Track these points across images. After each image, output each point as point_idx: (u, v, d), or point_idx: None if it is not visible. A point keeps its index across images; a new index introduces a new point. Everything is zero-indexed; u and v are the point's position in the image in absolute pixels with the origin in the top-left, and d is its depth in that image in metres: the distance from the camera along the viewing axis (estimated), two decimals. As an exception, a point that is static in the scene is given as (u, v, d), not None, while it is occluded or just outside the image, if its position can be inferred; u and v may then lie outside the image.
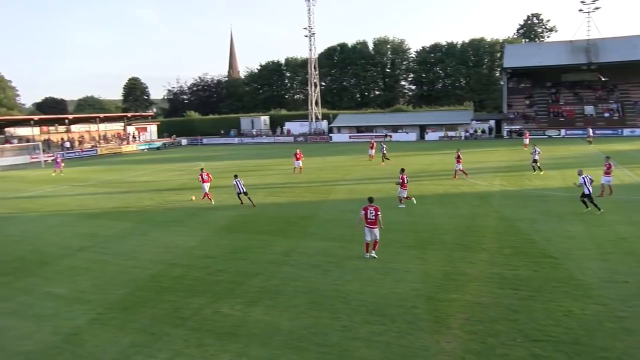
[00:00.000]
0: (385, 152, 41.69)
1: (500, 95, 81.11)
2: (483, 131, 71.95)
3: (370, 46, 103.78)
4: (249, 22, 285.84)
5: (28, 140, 67.69)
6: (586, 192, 19.06)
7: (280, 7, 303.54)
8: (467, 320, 10.22)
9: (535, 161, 31.30)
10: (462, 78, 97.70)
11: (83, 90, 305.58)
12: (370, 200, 14.67)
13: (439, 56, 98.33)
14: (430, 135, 72.88)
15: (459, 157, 30.15)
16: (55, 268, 15.36)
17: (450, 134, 72.30)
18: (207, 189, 25.67)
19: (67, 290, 13.33)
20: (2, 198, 31.52)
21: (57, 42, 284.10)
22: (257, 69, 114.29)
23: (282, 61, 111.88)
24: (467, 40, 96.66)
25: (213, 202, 24.96)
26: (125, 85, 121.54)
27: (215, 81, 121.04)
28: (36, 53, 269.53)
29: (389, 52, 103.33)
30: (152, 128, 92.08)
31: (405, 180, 22.30)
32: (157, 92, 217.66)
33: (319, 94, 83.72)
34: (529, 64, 72.14)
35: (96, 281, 13.90)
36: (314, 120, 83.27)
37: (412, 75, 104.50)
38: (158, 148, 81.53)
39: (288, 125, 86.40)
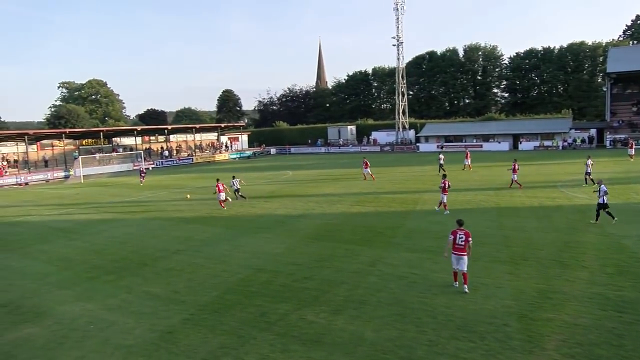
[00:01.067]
0: (442, 162, 41.27)
1: (602, 102, 75.91)
2: (583, 140, 67.37)
3: (461, 53, 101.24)
4: (337, 33, 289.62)
5: (131, 149, 72.55)
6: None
7: (368, 17, 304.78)
8: (563, 342, 9.59)
9: (588, 174, 30.24)
10: (559, 84, 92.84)
11: (181, 102, 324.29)
12: (460, 223, 12.83)
13: (534, 62, 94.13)
14: (525, 145, 69.27)
15: (515, 167, 30.12)
16: (153, 269, 16.25)
17: (547, 143, 68.28)
18: (222, 198, 27.92)
19: (163, 290, 14.01)
20: (110, 203, 34.02)
21: (158, 57, 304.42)
22: (344, 79, 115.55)
23: (370, 71, 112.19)
24: (565, 45, 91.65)
25: (225, 208, 27.04)
26: (219, 97, 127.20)
27: (304, 92, 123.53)
28: (140, 69, 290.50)
29: (481, 59, 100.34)
30: (244, 138, 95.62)
31: (447, 185, 23.07)
32: (248, 103, 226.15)
33: (406, 103, 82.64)
34: (636, 68, 66.48)
35: (189, 283, 14.48)
36: (400, 129, 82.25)
37: (505, 83, 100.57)
38: (248, 157, 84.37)
39: (375, 135, 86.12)
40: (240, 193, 30.93)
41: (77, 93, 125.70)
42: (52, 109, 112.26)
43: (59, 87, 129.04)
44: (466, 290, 12.47)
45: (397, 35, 79.14)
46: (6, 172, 57.71)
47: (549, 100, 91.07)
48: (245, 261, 16.52)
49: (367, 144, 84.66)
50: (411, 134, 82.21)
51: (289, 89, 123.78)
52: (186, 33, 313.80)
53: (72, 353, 10.30)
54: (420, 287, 13.01)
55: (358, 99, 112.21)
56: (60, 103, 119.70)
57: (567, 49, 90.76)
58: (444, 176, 24.16)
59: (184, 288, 14.05)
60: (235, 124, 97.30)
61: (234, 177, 31.94)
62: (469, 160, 42.88)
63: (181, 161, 74.84)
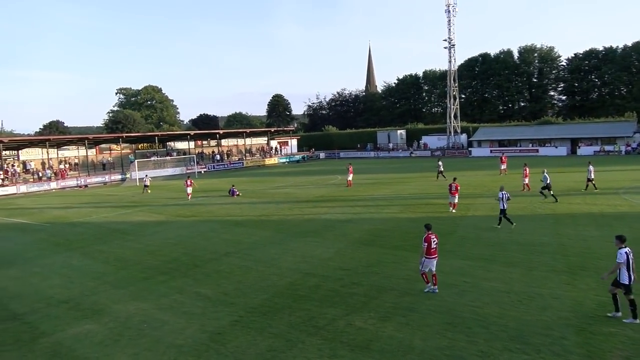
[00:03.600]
0: (442, 169, 41.05)
1: (671, 105, 71.08)
2: (648, 145, 64.03)
3: (515, 55, 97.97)
4: (387, 36, 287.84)
5: (185, 153, 74.46)
6: None
7: (419, 20, 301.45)
8: (627, 359, 9.11)
9: (589, 180, 30.06)
10: (622, 86, 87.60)
11: (232, 107, 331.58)
12: (429, 227, 13.41)
13: (595, 63, 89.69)
14: (584, 150, 66.19)
15: (525, 171, 31.32)
16: (203, 270, 16.57)
17: (608, 148, 64.93)
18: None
19: (213, 292, 14.25)
20: (163, 205, 35.17)
21: (210, 64, 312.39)
22: (394, 82, 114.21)
23: (420, 74, 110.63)
24: (630, 44, 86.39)
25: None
26: (269, 102, 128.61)
27: (353, 96, 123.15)
28: (193, 75, 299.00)
29: (536, 61, 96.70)
30: (293, 142, 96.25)
31: (453, 188, 24.82)
32: (298, 108, 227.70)
33: (458, 106, 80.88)
34: None
35: (239, 285, 14.68)
36: (452, 133, 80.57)
37: (562, 85, 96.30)
38: (298, 161, 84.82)
39: (425, 139, 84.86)
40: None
41: (133, 99, 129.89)
42: (110, 114, 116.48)
43: (116, 93, 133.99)
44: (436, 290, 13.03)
45: (449, 38, 77.63)
46: (68, 174, 60.21)
47: (611, 103, 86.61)
48: (294, 265, 16.60)
49: (417, 149, 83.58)
50: (463, 138, 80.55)
51: (338, 93, 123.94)
52: (237, 39, 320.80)
53: (127, 350, 10.64)
54: (471, 296, 12.72)
55: (408, 103, 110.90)
56: (118, 108, 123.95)
57: (631, 48, 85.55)
58: (455, 179, 25.71)
59: (233, 290, 14.24)
60: (285, 129, 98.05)
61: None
62: (505, 165, 42.16)
63: (232, 165, 76.10)
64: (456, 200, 25.03)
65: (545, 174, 28.19)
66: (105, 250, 20.75)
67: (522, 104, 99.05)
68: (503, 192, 20.87)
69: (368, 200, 30.89)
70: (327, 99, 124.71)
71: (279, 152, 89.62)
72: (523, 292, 12.74)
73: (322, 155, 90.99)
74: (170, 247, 20.66)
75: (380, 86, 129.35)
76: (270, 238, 21.14)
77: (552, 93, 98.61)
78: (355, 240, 19.85)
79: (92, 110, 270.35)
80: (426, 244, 13.13)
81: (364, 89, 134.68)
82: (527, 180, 31.17)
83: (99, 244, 22.31)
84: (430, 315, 11.56)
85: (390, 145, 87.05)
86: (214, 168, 73.60)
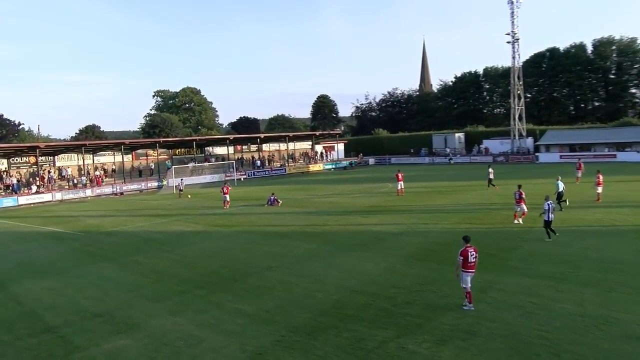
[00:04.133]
0: (492, 177, 40.36)
1: None
2: None
3: (589, 49, 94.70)
4: (443, 31, 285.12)
5: (224, 159, 75.67)
6: None
7: (479, 12, 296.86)
8: None
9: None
10: None
11: (274, 109, 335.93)
12: (467, 239, 13.67)
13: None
14: (671, 155, 62.96)
15: (599, 179, 30.81)
16: (243, 285, 16.75)
17: (699, 152, 61.90)
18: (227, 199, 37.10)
19: (253, 308, 14.37)
20: (201, 214, 35.81)
21: (251, 64, 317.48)
22: (451, 81, 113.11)
23: (480, 71, 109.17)
24: None
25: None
26: (314, 104, 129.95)
27: (406, 96, 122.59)
28: (233, 75, 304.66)
29: (614, 55, 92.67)
30: (339, 147, 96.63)
31: (518, 196, 24.75)
32: (345, 110, 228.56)
33: (523, 107, 78.65)
34: None
35: (281, 302, 14.76)
36: (516, 137, 78.56)
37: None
38: (345, 167, 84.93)
39: (486, 143, 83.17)
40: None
41: (171, 102, 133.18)
42: (147, 118, 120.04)
43: (153, 96, 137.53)
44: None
45: (512, 32, 75.78)
46: (103, 181, 62.27)
47: None
48: (340, 281, 16.55)
49: (477, 154, 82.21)
50: (529, 142, 78.31)
51: (389, 93, 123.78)
52: (279, 37, 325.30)
53: (162, 369, 10.71)
54: (539, 319, 12.36)
55: (467, 103, 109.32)
56: (155, 112, 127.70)
57: None
58: (519, 186, 25.42)
59: (275, 307, 14.32)
60: (331, 132, 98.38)
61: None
62: (581, 173, 41.18)
63: (274, 172, 76.77)
64: (525, 210, 24.66)
65: (558, 181, 28.71)
66: (140, 262, 21.26)
67: (597, 104, 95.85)
68: (549, 203, 20.59)
69: (423, 211, 30.67)
70: (377, 100, 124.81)
71: (325, 158, 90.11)
72: (600, 316, 12.28)
73: (371, 161, 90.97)
74: (208, 259, 20.99)
75: (435, 85, 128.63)
76: (315, 251, 21.20)
77: (633, 90, 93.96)
78: (408, 254, 19.67)
79: (129, 113, 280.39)
80: (462, 258, 13.22)
81: (418, 88, 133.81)
82: (600, 190, 30.83)
83: (135, 254, 22.89)
84: (493, 340, 11.28)
85: (447, 149, 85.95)
86: (254, 175, 74.69)
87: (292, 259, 20.06)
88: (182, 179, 53.72)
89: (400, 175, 40.22)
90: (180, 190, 50.59)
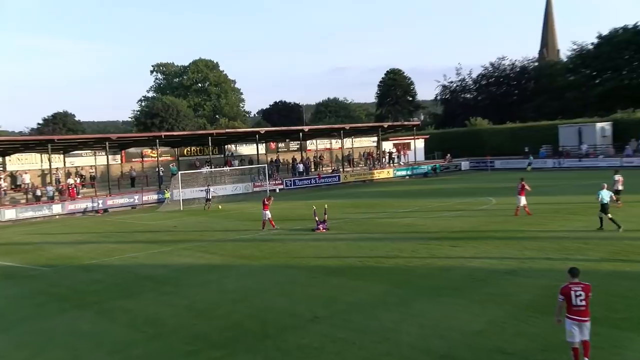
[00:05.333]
0: (619, 188, 39.99)
1: None
2: None
3: None
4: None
5: (251, 162, 77.26)
6: None
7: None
8: None
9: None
10: None
11: (323, 91, 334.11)
12: (574, 273, 13.31)
13: None
14: None
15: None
16: (278, 344, 16.56)
17: None
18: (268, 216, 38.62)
19: (293, 379, 14.06)
20: (220, 240, 36.37)
21: (291, 28, 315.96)
22: (592, 44, 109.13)
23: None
24: None
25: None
26: (381, 82, 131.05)
27: (518, 69, 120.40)
28: (265, 45, 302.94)
29: None
30: (418, 144, 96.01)
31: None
32: (426, 90, 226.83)
33: None
34: None
35: (334, 370, 14.48)
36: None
37: None
38: (425, 174, 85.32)
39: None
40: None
41: (177, 80, 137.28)
42: (143, 104, 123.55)
43: (152, 72, 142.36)
44: None
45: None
46: (79, 193, 63.34)
47: None
48: (421, 341, 16.20)
49: (634, 153, 79.80)
50: None
51: (492, 65, 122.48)
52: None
53: None
54: None
55: (618, 77, 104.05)
56: (154, 94, 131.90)
57: None
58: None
59: (324, 379, 13.97)
60: (406, 123, 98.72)
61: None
62: None
63: (322, 180, 77.46)
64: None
65: (603, 190, 30.38)
66: (131, 308, 21.27)
67: None
68: None
69: (545, 239, 30.03)
70: (474, 76, 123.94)
71: (396, 160, 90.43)
72: None
73: (464, 164, 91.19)
74: (230, 304, 20.95)
75: (565, 51, 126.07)
76: (382, 296, 21.00)
77: None
78: (522, 303, 19.13)
79: (117, 97, 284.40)
80: (562, 298, 13.10)
81: (537, 56, 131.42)
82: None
83: (123, 297, 22.97)
84: None
85: (584, 147, 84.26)
86: (294, 184, 75.67)
87: (349, 306, 19.83)
88: (209, 187, 58.71)
89: (524, 187, 38.96)
90: (208, 200, 56.42)
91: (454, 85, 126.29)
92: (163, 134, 74.74)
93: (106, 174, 67.72)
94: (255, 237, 36.54)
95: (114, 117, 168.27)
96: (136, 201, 63.83)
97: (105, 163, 68.14)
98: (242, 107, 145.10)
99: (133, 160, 73.26)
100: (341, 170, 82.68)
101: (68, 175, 66.36)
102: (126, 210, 60.62)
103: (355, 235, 35.00)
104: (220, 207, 52.38)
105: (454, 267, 25.18)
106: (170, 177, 67.74)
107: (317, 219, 37.81)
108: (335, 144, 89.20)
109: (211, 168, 71.43)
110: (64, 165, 67.25)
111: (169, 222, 47.86)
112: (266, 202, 39.66)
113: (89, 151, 69.33)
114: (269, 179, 71.22)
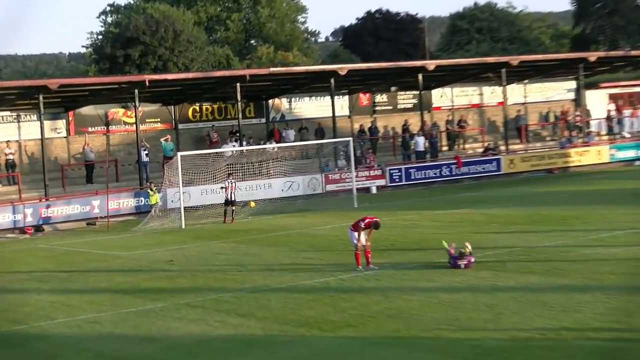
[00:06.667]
0: None
1: None
2: None
3: None
4: None
5: (321, 133, 72.84)
6: None
7: None
8: None
9: None
10: None
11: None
12: None
13: None
14: None
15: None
16: None
17: None
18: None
19: None
20: (259, 289, 32.27)
21: None
22: None
23: None
24: None
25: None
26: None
27: None
28: None
29: None
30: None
31: None
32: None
33: None
34: None
35: None
36: None
37: None
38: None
39: None
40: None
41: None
42: (109, 19, 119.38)
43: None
44: None
45: None
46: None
47: None
48: None
49: None
50: None
51: None
52: None
53: None
54: None
55: None
56: (131, 0, 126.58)
57: None
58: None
59: None
60: (636, 53, 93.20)
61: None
62: None
63: (464, 169, 73.80)
64: None
65: None
66: None
67: None
68: None
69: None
70: None
71: (616, 130, 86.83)
72: None
73: None
74: None
75: None
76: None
77: None
78: None
79: (60, 7, 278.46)
80: None
81: None
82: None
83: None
84: None
85: None
86: (407, 177, 71.87)
87: None
88: (233, 181, 54.60)
89: None
90: (230, 203, 52.88)
91: None
92: (147, 77, 67.13)
93: (40, 159, 63.32)
94: (330, 283, 32.03)
95: (54, 48, 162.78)
96: (96, 210, 59.39)
97: (39, 137, 63.20)
98: (303, 24, 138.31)
99: (90, 130, 67.90)
100: (503, 148, 78.20)
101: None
102: (78, 229, 57.46)
103: (533, 281, 30.38)
104: (249, 218, 51.35)
105: None
106: (160, 164, 64.32)
107: (452, 251, 34.85)
108: (491, 94, 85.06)
109: (241, 144, 68.37)
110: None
111: (159, 252, 44.02)
112: (362, 225, 34.21)
113: (7, 113, 65.52)
114: (356, 167, 65.37)
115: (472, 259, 33.51)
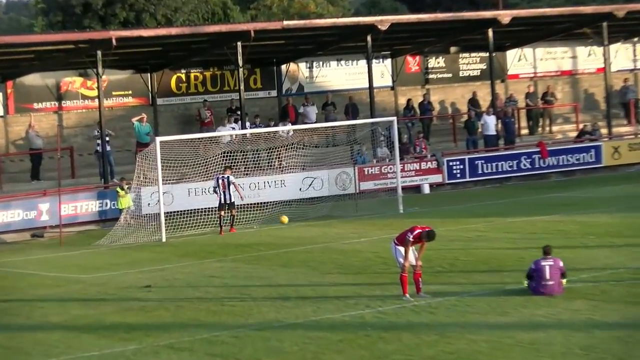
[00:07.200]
0: None
1: None
2: None
3: None
4: None
5: (353, 109, 72.10)
6: None
7: None
8: None
9: None
10: None
11: None
12: None
13: None
14: None
15: None
16: None
17: None
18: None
19: None
20: (269, 324, 29.29)
21: None
22: None
23: None
24: None
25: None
26: None
27: None
28: None
29: None
30: None
31: None
32: None
33: None
34: None
35: None
36: None
37: None
38: None
39: None
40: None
41: None
42: None
43: None
44: None
45: None
46: None
47: None
48: None
49: None
50: None
51: None
52: None
53: None
54: None
55: None
56: None
57: None
58: None
59: None
60: None
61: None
62: None
63: (550, 160, 71.76)
64: None
65: None
66: None
67: None
68: None
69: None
70: None
71: None
72: None
73: None
74: None
75: None
76: None
77: None
78: None
79: None
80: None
81: None
82: None
83: None
84: None
85: None
86: (473, 172, 71.07)
87: None
88: (225, 176, 52.45)
89: None
90: (226, 205, 51.56)
91: None
92: (114, 33, 63.22)
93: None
94: (366, 318, 28.51)
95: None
96: (45, 217, 57.11)
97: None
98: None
99: (36, 107, 66.83)
100: (604, 131, 75.61)
101: None
102: (20, 242, 55.40)
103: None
104: (255, 227, 50.34)
105: None
106: (133, 153, 62.90)
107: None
108: (587, 57, 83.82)
109: (243, 126, 66.27)
110: None
111: (131, 275, 41.74)
112: (411, 238, 30.99)
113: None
114: (401, 157, 63.60)
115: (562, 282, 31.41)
